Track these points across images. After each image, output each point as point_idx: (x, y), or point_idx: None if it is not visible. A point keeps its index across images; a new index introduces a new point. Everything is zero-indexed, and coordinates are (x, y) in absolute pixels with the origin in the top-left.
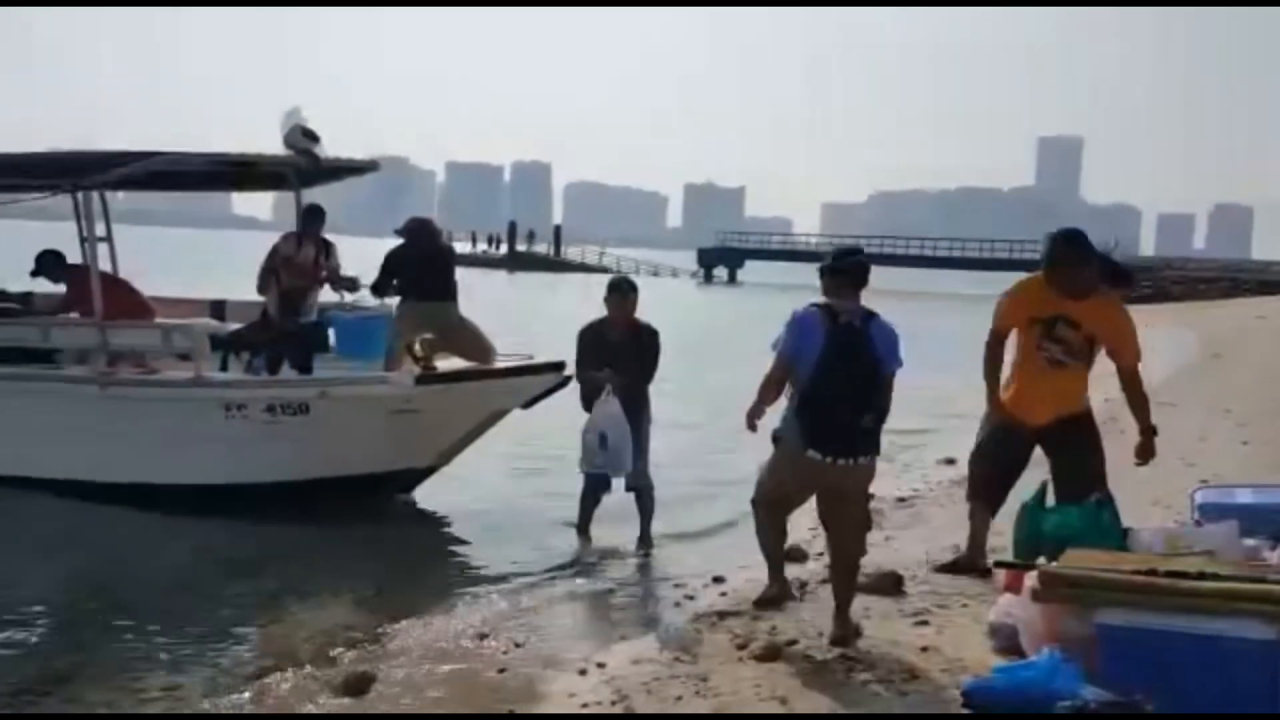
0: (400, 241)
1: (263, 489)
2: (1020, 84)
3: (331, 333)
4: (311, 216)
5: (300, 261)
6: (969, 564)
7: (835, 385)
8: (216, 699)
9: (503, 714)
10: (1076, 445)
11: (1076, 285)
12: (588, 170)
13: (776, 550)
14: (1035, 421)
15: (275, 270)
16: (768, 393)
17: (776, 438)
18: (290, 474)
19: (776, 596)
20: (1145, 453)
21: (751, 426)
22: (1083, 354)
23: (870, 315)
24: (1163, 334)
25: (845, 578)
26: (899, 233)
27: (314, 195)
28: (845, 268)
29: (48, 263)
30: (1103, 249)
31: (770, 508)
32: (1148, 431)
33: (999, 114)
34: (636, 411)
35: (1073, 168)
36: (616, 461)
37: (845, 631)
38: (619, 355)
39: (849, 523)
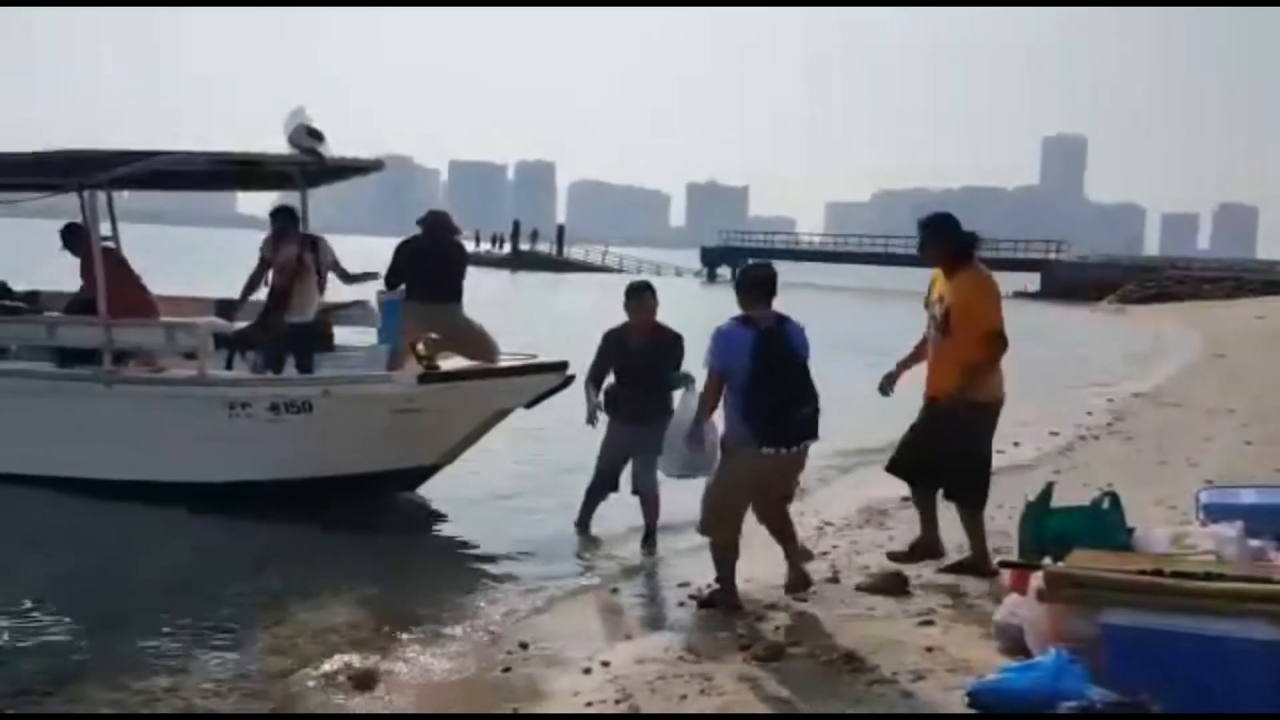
0: (414, 233)
1: (266, 487)
2: (1023, 83)
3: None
4: (278, 218)
5: (281, 262)
6: (973, 565)
7: (773, 384)
8: (220, 699)
9: (507, 714)
10: (928, 429)
11: (935, 264)
12: (591, 169)
13: (733, 574)
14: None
15: (264, 272)
16: (708, 410)
17: (724, 448)
18: (294, 472)
19: (733, 604)
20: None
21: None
22: (941, 326)
23: (783, 319)
24: (1167, 334)
25: (787, 534)
26: (903, 232)
27: (319, 194)
28: (759, 280)
29: (70, 235)
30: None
31: (724, 529)
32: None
33: (1002, 113)
34: (658, 414)
35: (1077, 167)
36: (709, 464)
37: (799, 574)
38: (640, 360)
39: (779, 497)
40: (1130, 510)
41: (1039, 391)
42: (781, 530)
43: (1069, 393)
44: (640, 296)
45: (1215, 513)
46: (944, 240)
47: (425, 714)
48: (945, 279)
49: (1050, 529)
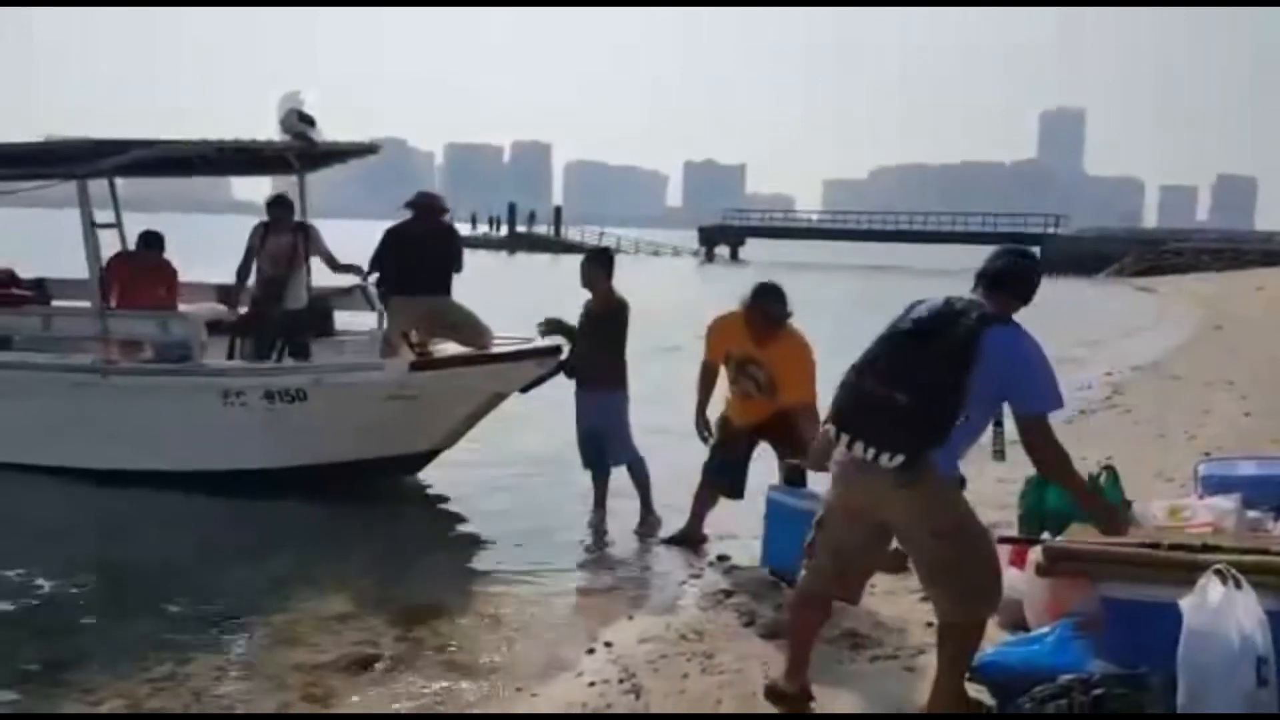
0: (404, 218)
1: (263, 475)
2: (1022, 57)
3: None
4: (273, 208)
5: (270, 252)
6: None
7: None
8: (223, 683)
9: (511, 714)
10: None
11: (758, 327)
12: (587, 150)
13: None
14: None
15: (252, 260)
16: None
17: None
18: (290, 460)
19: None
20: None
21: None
22: (764, 388)
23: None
24: (1166, 307)
25: None
26: (902, 208)
27: (316, 179)
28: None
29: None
30: None
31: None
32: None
33: (1001, 88)
34: (611, 382)
35: (1075, 140)
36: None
37: None
38: (592, 324)
39: None
40: (1128, 483)
41: None
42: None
43: (1067, 367)
44: (593, 262)
45: (1213, 485)
46: (775, 309)
47: (426, 714)
48: (756, 343)
49: (1049, 503)
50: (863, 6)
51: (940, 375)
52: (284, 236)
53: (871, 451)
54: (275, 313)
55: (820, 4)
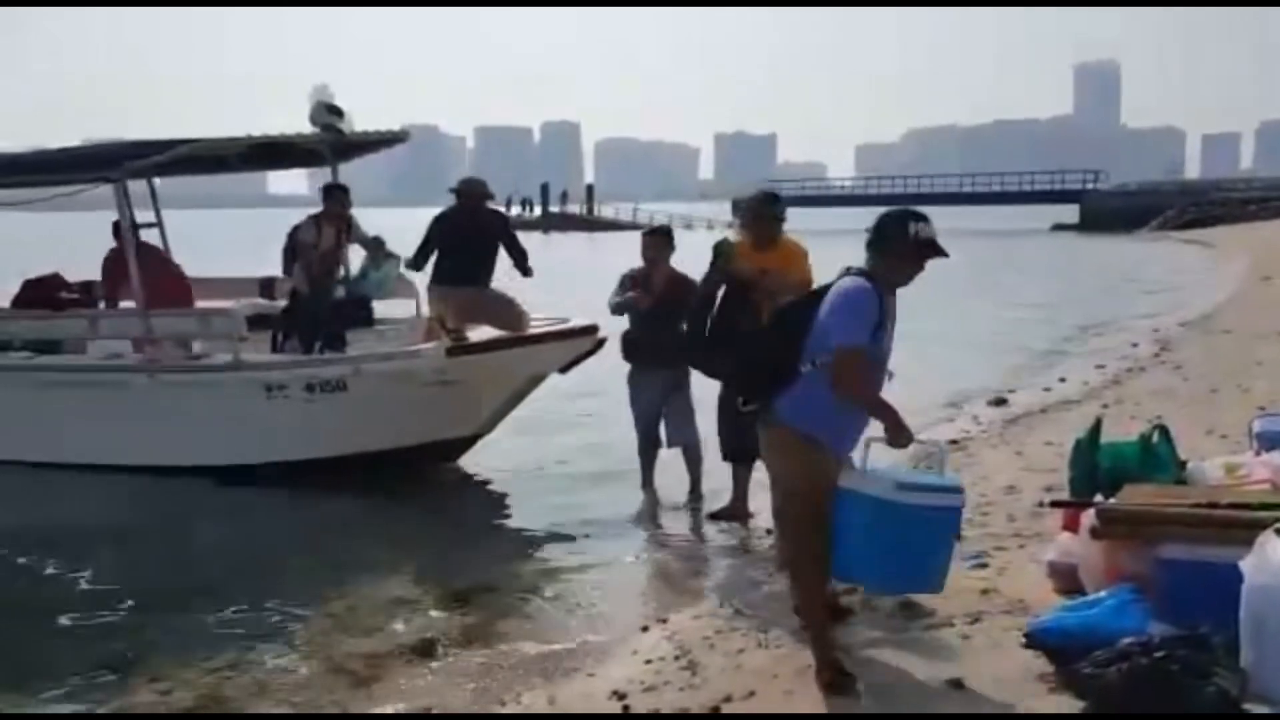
0: (443, 208)
1: (310, 465)
2: (1052, 11)
3: None
4: (328, 197)
5: (323, 250)
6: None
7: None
8: (288, 672)
9: (505, 714)
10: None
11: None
12: (617, 127)
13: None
14: None
15: (299, 254)
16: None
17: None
18: (335, 450)
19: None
20: None
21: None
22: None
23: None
24: (1211, 259)
25: None
26: (936, 170)
27: (348, 168)
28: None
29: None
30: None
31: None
32: None
33: (1032, 43)
34: (678, 360)
35: (1112, 93)
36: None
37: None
38: (665, 307)
39: None
40: (1181, 442)
41: (1083, 325)
42: None
43: (1113, 325)
44: (660, 237)
45: (1269, 440)
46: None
47: (440, 714)
48: (755, 249)
49: (1101, 465)
50: None
51: None
52: (331, 231)
53: None
54: (323, 312)
55: None
